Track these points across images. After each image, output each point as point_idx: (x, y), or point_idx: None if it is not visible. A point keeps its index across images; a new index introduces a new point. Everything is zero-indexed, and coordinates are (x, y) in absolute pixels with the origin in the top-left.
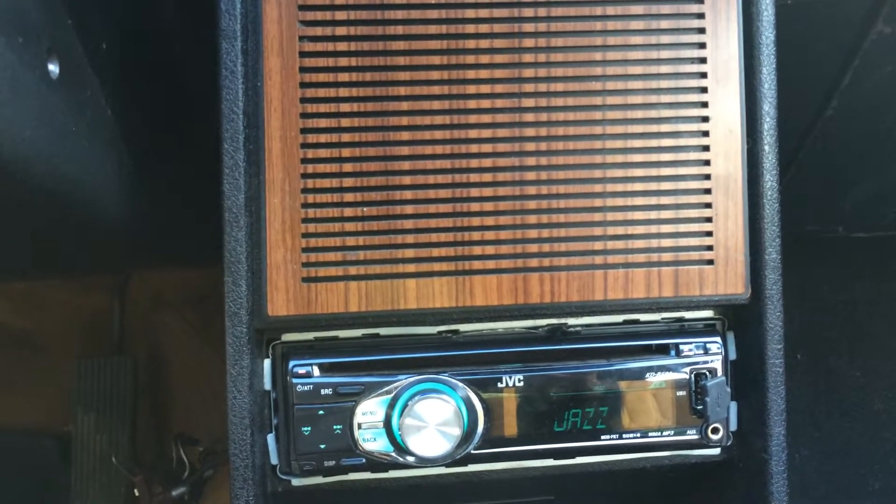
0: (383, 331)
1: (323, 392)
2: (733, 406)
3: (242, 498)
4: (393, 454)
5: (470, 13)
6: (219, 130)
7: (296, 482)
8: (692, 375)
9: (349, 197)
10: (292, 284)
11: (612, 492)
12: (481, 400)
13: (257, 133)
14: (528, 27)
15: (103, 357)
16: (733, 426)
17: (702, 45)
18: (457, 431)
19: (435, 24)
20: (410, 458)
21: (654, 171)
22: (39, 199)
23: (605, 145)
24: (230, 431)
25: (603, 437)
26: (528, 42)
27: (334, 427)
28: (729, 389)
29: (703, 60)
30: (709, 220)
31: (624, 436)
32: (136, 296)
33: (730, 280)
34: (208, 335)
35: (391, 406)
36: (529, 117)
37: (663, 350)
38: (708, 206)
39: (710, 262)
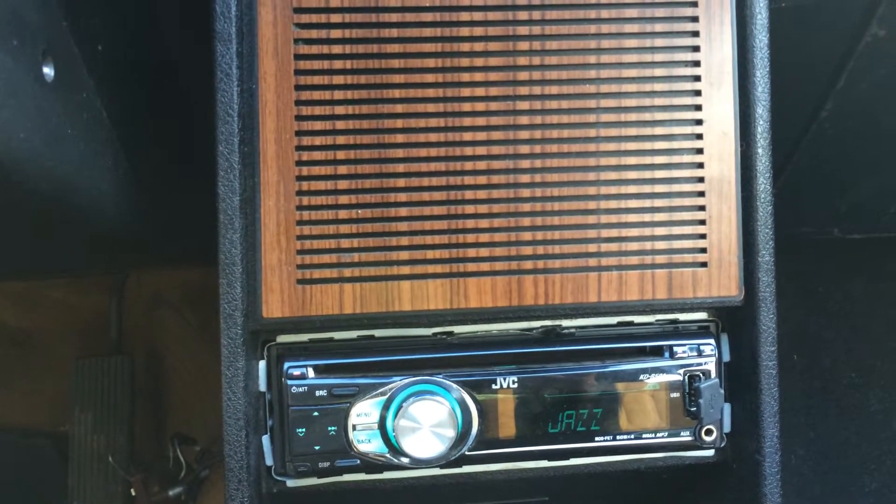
0: (378, 332)
1: (318, 393)
2: (727, 408)
3: (237, 499)
4: (387, 455)
5: (464, 16)
6: (214, 132)
7: (290, 483)
8: (686, 377)
9: (344, 199)
10: (287, 286)
11: (607, 493)
12: (476, 401)
13: (252, 135)
14: (523, 30)
15: (101, 357)
16: (727, 428)
17: (695, 48)
18: (451, 433)
19: (429, 26)
20: (405, 460)
21: (647, 174)
22: (35, 201)
23: (599, 147)
24: (225, 433)
25: (597, 439)
26: (523, 45)
27: (329, 428)
28: (722, 391)
29: (696, 63)
30: (702, 222)
31: (618, 437)
32: (134, 295)
33: (723, 282)
34: (206, 335)
35: (386, 407)
36: (524, 120)
37: (657, 352)
38: (702, 208)
39: (704, 264)
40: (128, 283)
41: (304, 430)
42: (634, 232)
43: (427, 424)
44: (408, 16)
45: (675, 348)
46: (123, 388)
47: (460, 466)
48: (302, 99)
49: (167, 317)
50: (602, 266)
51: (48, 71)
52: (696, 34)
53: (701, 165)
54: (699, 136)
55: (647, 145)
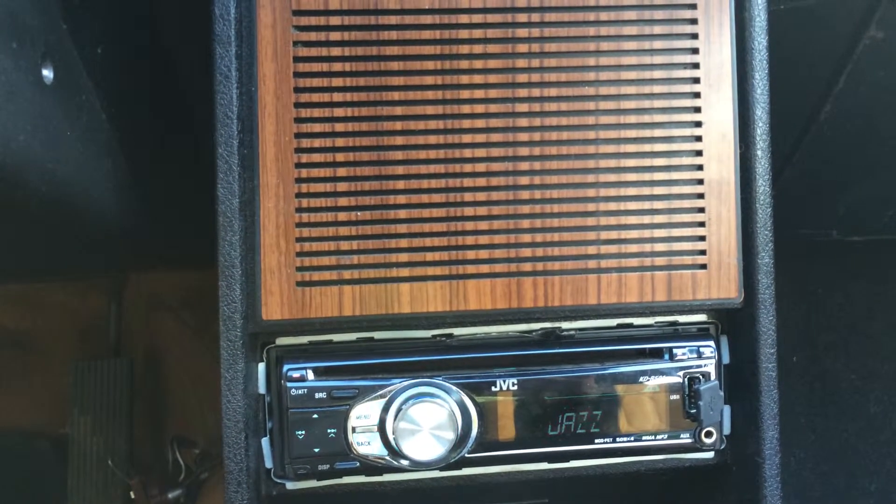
0: (377, 334)
1: (317, 396)
2: (727, 410)
3: (237, 501)
4: (387, 458)
5: (464, 19)
6: (213, 134)
7: (290, 486)
8: (686, 379)
9: (343, 201)
10: (286, 288)
11: (607, 495)
12: (475, 403)
13: (251, 137)
14: (522, 33)
15: (100, 359)
16: (727, 430)
17: (695, 51)
18: (451, 435)
19: (429, 29)
20: (404, 462)
21: (647, 176)
22: (34, 203)
23: (599, 150)
24: (224, 435)
25: (597, 441)
26: (522, 48)
27: (328, 431)
28: (722, 393)
29: (695, 66)
30: (702, 224)
31: (618, 439)
32: (133, 297)
33: (723, 284)
34: (205, 337)
35: (385, 410)
36: (523, 122)
37: (657, 354)
38: (701, 210)
39: (704, 266)
40: (127, 286)
41: (303, 432)
42: (634, 234)
43: (427, 427)
44: (407, 18)
45: (674, 350)
46: (123, 391)
47: (460, 469)
48: (301, 101)
49: (166, 319)
50: (601, 268)
51: (47, 73)
52: (695, 36)
53: (700, 167)
54: (698, 138)
55: (647, 147)
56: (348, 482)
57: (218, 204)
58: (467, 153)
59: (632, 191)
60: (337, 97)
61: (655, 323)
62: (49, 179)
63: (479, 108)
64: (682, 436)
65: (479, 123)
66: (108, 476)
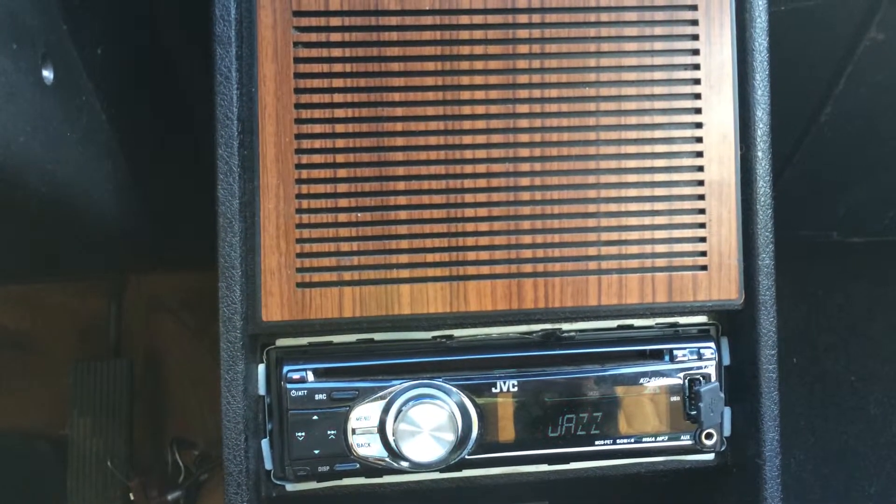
0: (377, 336)
1: (317, 397)
2: (727, 411)
3: (236, 503)
4: (387, 459)
5: (464, 19)
6: (213, 135)
7: (290, 487)
8: (686, 381)
9: (343, 202)
10: (286, 290)
11: (607, 496)
12: (475, 405)
13: (252, 138)
14: (523, 34)
15: (100, 360)
16: (727, 431)
17: (695, 52)
18: (451, 437)
19: (429, 30)
20: (405, 464)
21: (647, 178)
22: (34, 204)
23: (599, 151)
24: (224, 437)
25: (597, 443)
26: (523, 49)
27: (328, 432)
28: (723, 395)
29: (696, 67)
30: (702, 225)
31: (618, 441)
32: (133, 299)
33: (723, 285)
34: (205, 338)
35: (385, 411)
36: (523, 123)
37: (657, 355)
38: (701, 211)
39: (704, 267)
40: (127, 287)
41: (303, 433)
42: (634, 235)
43: (427, 428)
44: (407, 19)
45: (675, 352)
46: (122, 392)
47: (460, 470)
48: (301, 102)
49: (166, 320)
50: (602, 269)
51: (48, 74)
52: (695, 37)
53: (701, 169)
54: (699, 140)
55: (647, 148)
56: (348, 484)
57: (218, 205)
58: (468, 154)
59: (632, 192)
60: (337, 98)
61: (656, 324)
62: (49, 180)
63: (480, 109)
64: (682, 437)
65: (480, 124)
66: (108, 477)
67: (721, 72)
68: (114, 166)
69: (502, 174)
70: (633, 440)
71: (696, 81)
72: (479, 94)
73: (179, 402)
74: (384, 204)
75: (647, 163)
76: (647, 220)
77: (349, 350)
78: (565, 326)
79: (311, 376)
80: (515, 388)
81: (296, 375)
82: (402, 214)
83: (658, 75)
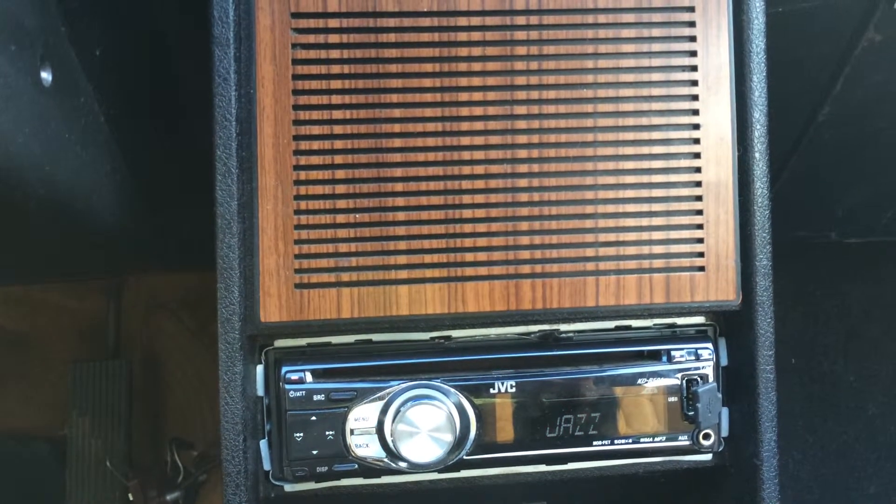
0: (376, 337)
1: (315, 398)
2: (725, 412)
3: (235, 503)
4: (385, 460)
5: (462, 21)
6: (212, 137)
7: (288, 488)
8: (684, 381)
9: (342, 203)
10: (285, 291)
11: (605, 497)
12: (473, 406)
13: (250, 140)
14: (521, 35)
15: (99, 360)
16: (725, 432)
17: (693, 54)
18: (449, 437)
19: (427, 31)
20: (403, 464)
21: (645, 179)
22: (33, 206)
23: (597, 152)
24: (223, 437)
25: (595, 443)
26: (521, 50)
27: (327, 433)
28: (720, 395)
29: (693, 68)
30: (700, 226)
31: (616, 441)
32: (132, 299)
33: (721, 286)
34: (204, 339)
35: (383, 412)
36: (521, 125)
37: (655, 356)
38: (699, 212)
39: (702, 268)
40: (126, 287)
41: (301, 434)
42: (632, 236)
43: (425, 429)
44: (405, 21)
45: (672, 352)
46: (121, 392)
47: (458, 471)
48: (300, 104)
49: (165, 321)
50: (600, 270)
51: (46, 76)
52: (693, 39)
53: (698, 170)
54: (696, 141)
55: (645, 150)
56: (346, 484)
57: (216, 206)
58: (466, 155)
59: (630, 193)
60: (335, 99)
61: (654, 325)
62: (48, 182)
63: (478, 111)
64: (679, 438)
65: (478, 126)
66: (107, 477)
67: (718, 73)
68: (112, 167)
69: (500, 175)
70: (630, 440)
71: (694, 83)
72: (477, 96)
73: (178, 402)
74: (382, 205)
75: (645, 164)
76: (644, 221)
77: (347, 351)
78: (563, 327)
79: (309, 377)
80: (513, 389)
81: (294, 376)
82: (401, 215)
83: (656, 77)
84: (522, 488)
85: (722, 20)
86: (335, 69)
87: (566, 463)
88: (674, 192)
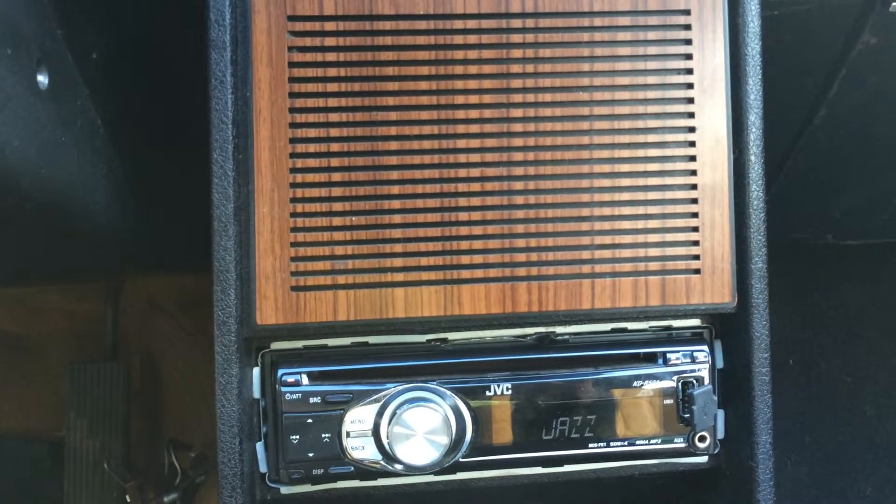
0: (372, 339)
1: (311, 400)
2: (720, 414)
3: None
4: (381, 462)
5: (458, 24)
6: (208, 139)
7: (284, 490)
8: (679, 384)
9: (338, 206)
10: (281, 293)
11: (601, 499)
12: (469, 408)
13: (246, 142)
14: (516, 38)
15: (96, 362)
16: (720, 434)
17: (688, 56)
18: (445, 440)
19: (423, 34)
20: (399, 467)
21: (641, 181)
22: (29, 209)
23: (593, 155)
24: (219, 440)
25: (591, 445)
26: (517, 53)
27: (323, 435)
28: (716, 397)
29: (689, 71)
30: (695, 229)
31: (612, 444)
32: (130, 301)
33: (716, 289)
34: (201, 340)
35: (379, 414)
36: (517, 127)
37: (651, 358)
38: (695, 215)
39: (697, 271)
40: (124, 289)
41: (297, 436)
42: (628, 239)
43: (421, 431)
44: (402, 24)
45: (668, 355)
46: (119, 394)
47: (454, 473)
48: (296, 106)
49: (162, 322)
50: (596, 273)
51: (42, 79)
52: (688, 42)
53: (694, 173)
54: (692, 144)
55: (641, 153)
56: (343, 486)
57: (213, 208)
58: (462, 158)
59: (626, 196)
60: (332, 102)
61: (649, 327)
62: (44, 185)
63: (474, 114)
64: (675, 440)
65: (474, 129)
66: (105, 479)
67: (714, 76)
68: (109, 170)
69: (496, 178)
70: (626, 443)
71: (690, 86)
72: (473, 99)
73: (176, 404)
74: (378, 208)
75: (641, 167)
76: (640, 224)
77: (344, 353)
78: (559, 329)
79: (305, 379)
80: (509, 391)
81: (290, 378)
82: (397, 218)
83: (651, 80)
84: (518, 491)
85: (717, 23)
86: (331, 72)
87: (562, 465)
88: (669, 194)
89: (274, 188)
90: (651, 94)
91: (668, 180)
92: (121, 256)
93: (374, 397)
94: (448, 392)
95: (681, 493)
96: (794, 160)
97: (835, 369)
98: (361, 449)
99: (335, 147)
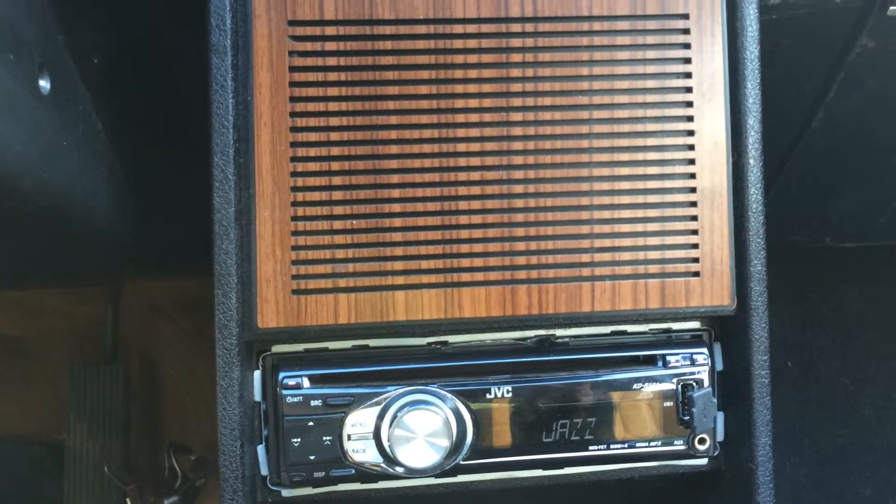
0: (373, 342)
1: (312, 403)
2: (720, 416)
3: None
4: (382, 465)
5: (458, 28)
6: (209, 143)
7: (286, 493)
8: (679, 386)
9: (339, 210)
10: (282, 297)
11: (601, 502)
12: (470, 411)
13: (247, 147)
14: (516, 42)
15: (96, 365)
16: (720, 436)
17: (687, 60)
18: (445, 442)
19: (423, 38)
20: (399, 469)
21: (640, 185)
22: (30, 212)
23: (592, 158)
24: (220, 443)
25: (591, 448)
26: (516, 57)
27: (324, 438)
28: (715, 400)
29: (688, 75)
30: (695, 232)
31: (612, 446)
32: (130, 303)
33: (716, 292)
34: (202, 343)
35: (380, 417)
36: (517, 131)
37: (650, 361)
38: (694, 218)
39: (697, 273)
40: (124, 292)
41: (298, 439)
42: (627, 242)
43: (422, 434)
44: (402, 28)
45: (668, 357)
46: (119, 397)
47: (455, 476)
48: (297, 111)
49: (162, 325)
50: (595, 276)
51: (44, 84)
52: (687, 46)
53: (693, 176)
54: (691, 147)
55: (640, 156)
56: (343, 489)
57: (214, 212)
58: (462, 162)
59: (625, 199)
60: (332, 106)
61: (649, 330)
62: (44, 188)
63: (474, 117)
64: (675, 442)
65: (474, 132)
66: (105, 482)
67: (713, 80)
68: (109, 173)
69: (496, 181)
70: (626, 445)
71: (688, 90)
72: (473, 103)
73: (176, 406)
74: (379, 211)
75: (640, 170)
76: (639, 227)
77: (344, 356)
78: (559, 332)
79: (306, 382)
80: (510, 394)
81: (291, 381)
82: (397, 222)
83: (650, 83)
84: (519, 493)
85: (716, 27)
86: (332, 76)
87: (562, 468)
88: (669, 197)
89: (275, 192)
90: (650, 98)
91: (668, 184)
92: (121, 259)
93: (375, 400)
94: (449, 395)
95: (681, 496)
96: (793, 163)
97: (834, 371)
98: (362, 452)
99: (336, 151)
